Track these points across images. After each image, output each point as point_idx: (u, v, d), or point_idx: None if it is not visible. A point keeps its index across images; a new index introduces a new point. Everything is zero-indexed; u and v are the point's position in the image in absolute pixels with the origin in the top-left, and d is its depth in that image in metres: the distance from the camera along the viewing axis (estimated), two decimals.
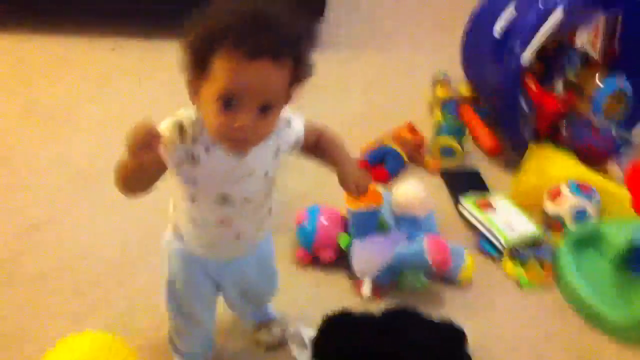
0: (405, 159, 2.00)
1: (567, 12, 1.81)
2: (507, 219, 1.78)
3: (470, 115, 2.17)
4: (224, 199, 1.07)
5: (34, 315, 1.48)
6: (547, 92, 2.00)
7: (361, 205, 1.58)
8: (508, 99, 1.94)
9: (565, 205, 1.77)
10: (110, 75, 2.36)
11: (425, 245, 1.52)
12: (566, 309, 1.62)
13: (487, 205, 1.83)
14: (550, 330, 1.57)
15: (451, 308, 1.58)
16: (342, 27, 2.80)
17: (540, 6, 1.84)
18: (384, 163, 1.96)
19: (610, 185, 1.85)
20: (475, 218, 1.79)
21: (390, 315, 1.42)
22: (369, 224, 1.61)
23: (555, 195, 1.80)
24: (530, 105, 1.97)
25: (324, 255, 1.61)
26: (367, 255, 1.57)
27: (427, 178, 1.98)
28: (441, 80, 2.28)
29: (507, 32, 1.91)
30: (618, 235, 1.67)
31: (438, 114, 2.17)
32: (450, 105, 2.18)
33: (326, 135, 1.18)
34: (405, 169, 2.01)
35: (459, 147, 2.03)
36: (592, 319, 1.58)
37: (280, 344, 1.45)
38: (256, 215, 1.14)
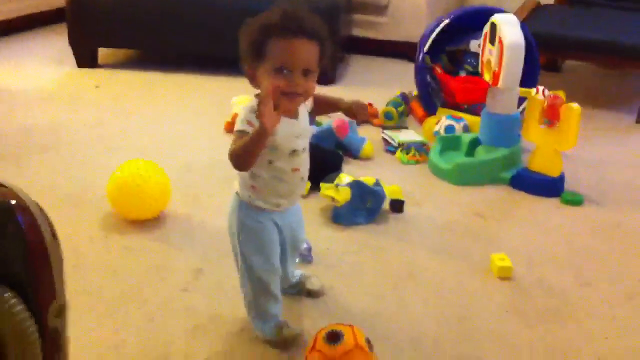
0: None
1: (451, 22, 3.03)
2: (406, 136, 2.88)
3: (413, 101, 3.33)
4: (293, 152, 1.41)
5: None
6: (449, 76, 3.15)
7: None
8: (420, 80, 3.14)
9: (442, 125, 2.85)
10: None
11: (332, 122, 2.69)
12: (427, 174, 2.66)
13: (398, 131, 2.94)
14: (413, 181, 2.60)
15: (353, 167, 2.67)
16: None
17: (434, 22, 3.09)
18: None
19: (474, 118, 2.90)
20: (389, 136, 2.89)
21: None
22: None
23: (438, 121, 2.88)
24: (438, 83, 3.12)
25: None
26: None
27: (372, 129, 3.13)
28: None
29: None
30: (468, 137, 2.73)
31: (393, 98, 3.32)
32: (400, 96, 3.33)
33: (317, 95, 1.49)
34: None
35: (395, 112, 3.16)
36: (436, 171, 2.63)
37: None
38: (307, 161, 1.48)
